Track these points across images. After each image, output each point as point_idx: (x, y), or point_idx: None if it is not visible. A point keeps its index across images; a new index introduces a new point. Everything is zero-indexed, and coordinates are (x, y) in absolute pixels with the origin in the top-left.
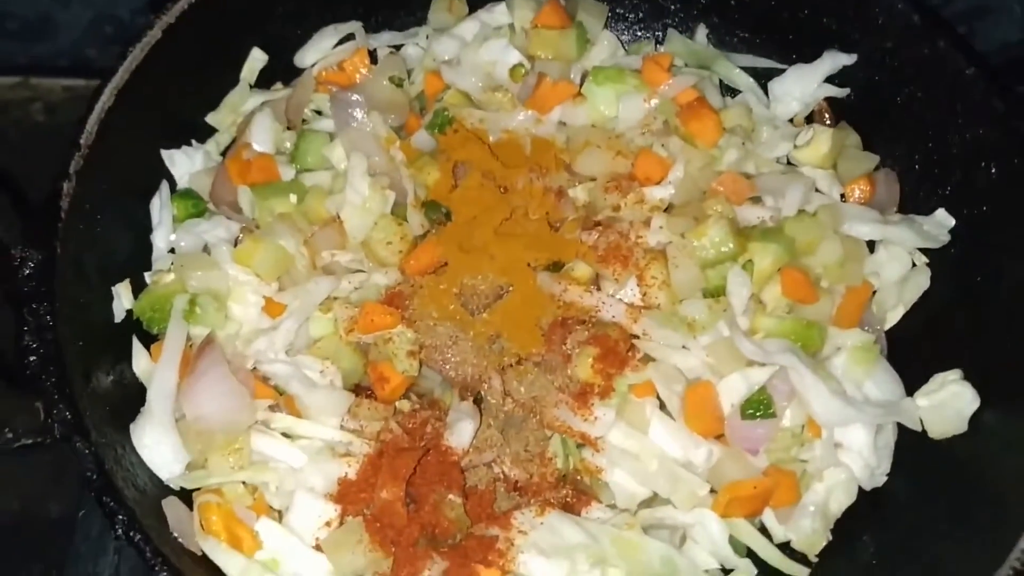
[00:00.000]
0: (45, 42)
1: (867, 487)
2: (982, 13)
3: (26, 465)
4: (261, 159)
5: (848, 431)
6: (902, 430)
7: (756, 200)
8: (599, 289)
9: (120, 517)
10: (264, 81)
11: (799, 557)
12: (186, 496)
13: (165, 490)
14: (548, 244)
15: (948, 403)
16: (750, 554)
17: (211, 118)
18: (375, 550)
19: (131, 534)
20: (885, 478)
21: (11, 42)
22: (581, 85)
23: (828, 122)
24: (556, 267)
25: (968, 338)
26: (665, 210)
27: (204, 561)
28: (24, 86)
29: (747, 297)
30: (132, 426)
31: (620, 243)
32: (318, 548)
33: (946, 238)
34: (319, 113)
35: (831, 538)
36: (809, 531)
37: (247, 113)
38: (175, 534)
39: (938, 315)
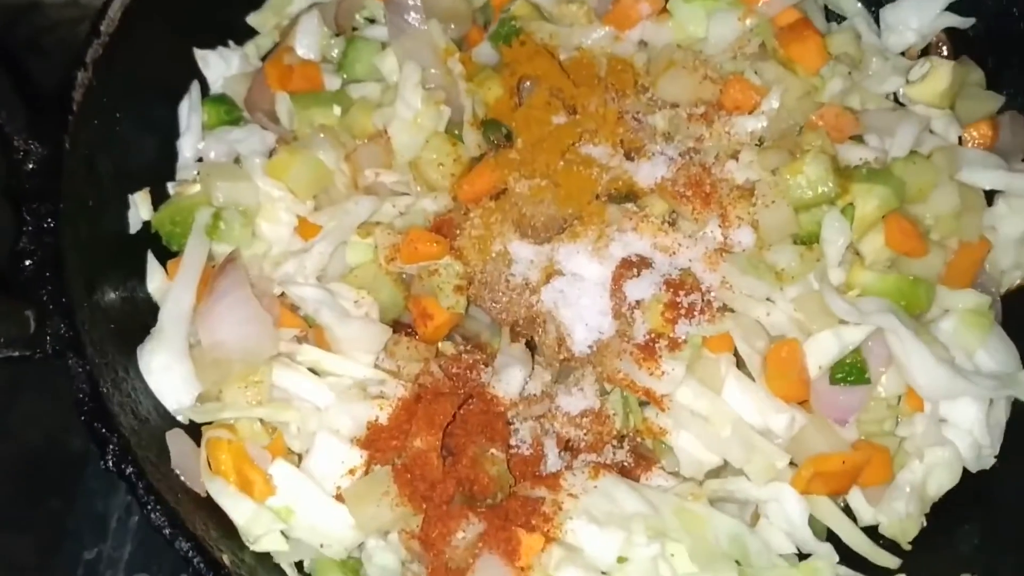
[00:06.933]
0: None
1: (973, 469)
2: None
3: (51, 398)
4: (304, 66)
5: (955, 405)
6: (1015, 407)
7: (858, 140)
8: (674, 228)
9: (111, 446)
10: None
11: (888, 545)
12: (195, 432)
13: (171, 422)
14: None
15: None
16: (831, 538)
17: (252, 19)
18: (403, 504)
19: (122, 466)
20: (994, 460)
21: None
22: (666, 1)
23: (946, 56)
24: (628, 199)
25: None
26: (756, 145)
27: (207, 504)
28: (73, 5)
29: (844, 246)
30: (139, 348)
31: (702, 177)
32: (339, 498)
33: None
34: (372, 21)
35: (926, 524)
36: (903, 515)
37: (292, 15)
38: (177, 471)
39: None
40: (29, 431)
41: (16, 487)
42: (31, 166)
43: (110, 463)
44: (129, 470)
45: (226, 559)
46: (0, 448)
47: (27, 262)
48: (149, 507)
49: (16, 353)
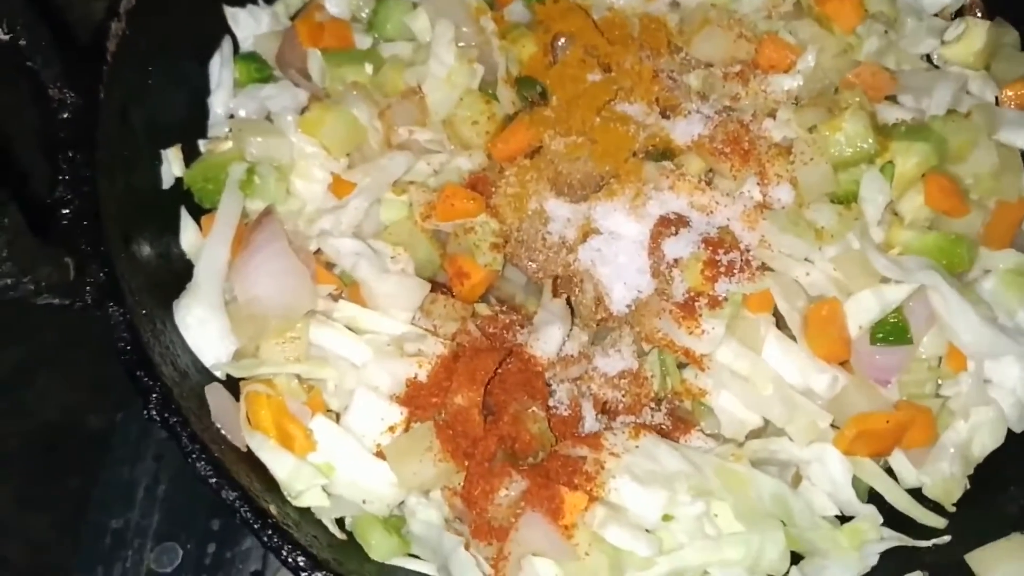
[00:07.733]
0: None
1: (1017, 429)
2: None
3: (69, 375)
4: (335, 23)
5: (998, 365)
6: None
7: (893, 101)
8: (711, 186)
9: (154, 395)
10: None
11: (932, 508)
12: (232, 387)
13: (208, 377)
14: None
15: None
16: (873, 500)
17: None
18: (446, 460)
19: (165, 415)
20: None
21: None
22: None
23: (980, 17)
24: (665, 157)
25: None
26: (792, 103)
27: (248, 458)
28: None
29: (884, 205)
30: (175, 303)
31: (740, 135)
32: (380, 455)
33: None
34: None
35: (969, 486)
36: (947, 475)
37: None
38: (217, 424)
39: None
40: (46, 409)
41: (35, 465)
42: (66, 115)
43: (153, 413)
44: (173, 419)
45: (273, 510)
46: (18, 426)
47: (64, 211)
48: (194, 456)
49: (56, 300)
